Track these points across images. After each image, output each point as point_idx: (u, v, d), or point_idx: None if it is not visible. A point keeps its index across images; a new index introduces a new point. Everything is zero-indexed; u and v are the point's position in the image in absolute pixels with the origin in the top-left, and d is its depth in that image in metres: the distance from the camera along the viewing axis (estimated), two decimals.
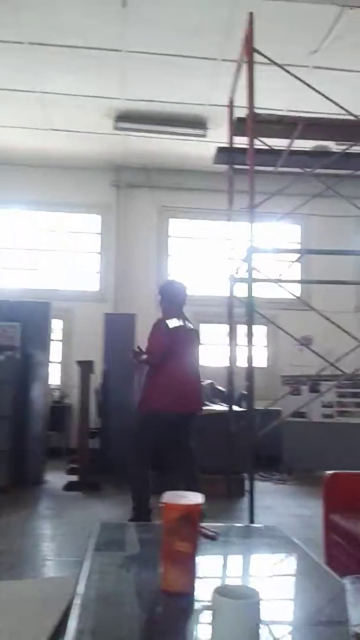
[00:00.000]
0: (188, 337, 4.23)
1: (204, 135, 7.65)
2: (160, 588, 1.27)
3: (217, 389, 6.62)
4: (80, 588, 1.27)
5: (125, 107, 7.32)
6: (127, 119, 7.52)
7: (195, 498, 1.37)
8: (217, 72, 6.34)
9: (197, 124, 7.54)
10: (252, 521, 4.05)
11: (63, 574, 3.29)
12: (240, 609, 1.01)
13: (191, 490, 2.70)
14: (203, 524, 1.38)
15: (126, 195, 9.19)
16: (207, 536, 1.59)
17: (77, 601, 1.20)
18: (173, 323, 4.12)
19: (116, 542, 1.84)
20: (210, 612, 1.04)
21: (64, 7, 5.37)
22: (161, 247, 9.34)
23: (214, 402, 6.30)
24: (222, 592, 1.06)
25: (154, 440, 4.12)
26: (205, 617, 1.03)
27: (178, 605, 1.23)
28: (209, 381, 6.76)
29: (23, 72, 6.55)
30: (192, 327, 4.36)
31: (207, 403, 6.22)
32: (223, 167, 6.07)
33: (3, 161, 8.82)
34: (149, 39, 5.83)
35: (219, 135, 7.05)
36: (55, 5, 5.34)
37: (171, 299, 4.29)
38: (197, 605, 1.22)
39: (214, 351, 8.88)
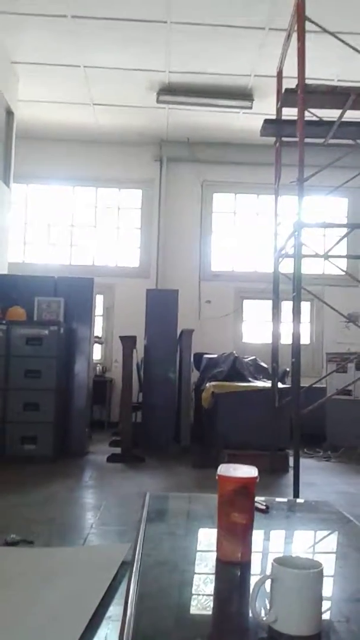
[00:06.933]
0: None
1: (250, 107, 7.50)
2: (216, 557, 1.28)
3: (260, 365, 6.58)
4: (138, 554, 1.28)
5: (169, 80, 7.23)
6: (170, 92, 7.43)
7: (250, 471, 1.36)
8: (265, 42, 6.18)
9: (243, 95, 7.39)
10: (296, 497, 4.05)
11: (108, 542, 3.36)
12: (302, 579, 1.00)
13: None
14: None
15: (169, 170, 9.11)
16: (258, 509, 1.58)
17: (136, 566, 1.21)
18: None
19: (167, 512, 1.86)
20: (269, 582, 1.03)
21: None
22: (205, 223, 9.24)
23: (256, 379, 6.26)
24: (282, 562, 1.06)
25: None
26: (264, 587, 1.02)
27: (235, 575, 1.24)
28: (252, 357, 6.72)
29: (66, 46, 6.52)
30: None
31: (250, 380, 6.20)
32: (269, 140, 5.95)
33: (45, 136, 8.83)
34: (194, 9, 5.72)
35: (265, 107, 6.89)
36: None
37: None
38: (254, 576, 1.22)
39: (257, 328, 8.83)
